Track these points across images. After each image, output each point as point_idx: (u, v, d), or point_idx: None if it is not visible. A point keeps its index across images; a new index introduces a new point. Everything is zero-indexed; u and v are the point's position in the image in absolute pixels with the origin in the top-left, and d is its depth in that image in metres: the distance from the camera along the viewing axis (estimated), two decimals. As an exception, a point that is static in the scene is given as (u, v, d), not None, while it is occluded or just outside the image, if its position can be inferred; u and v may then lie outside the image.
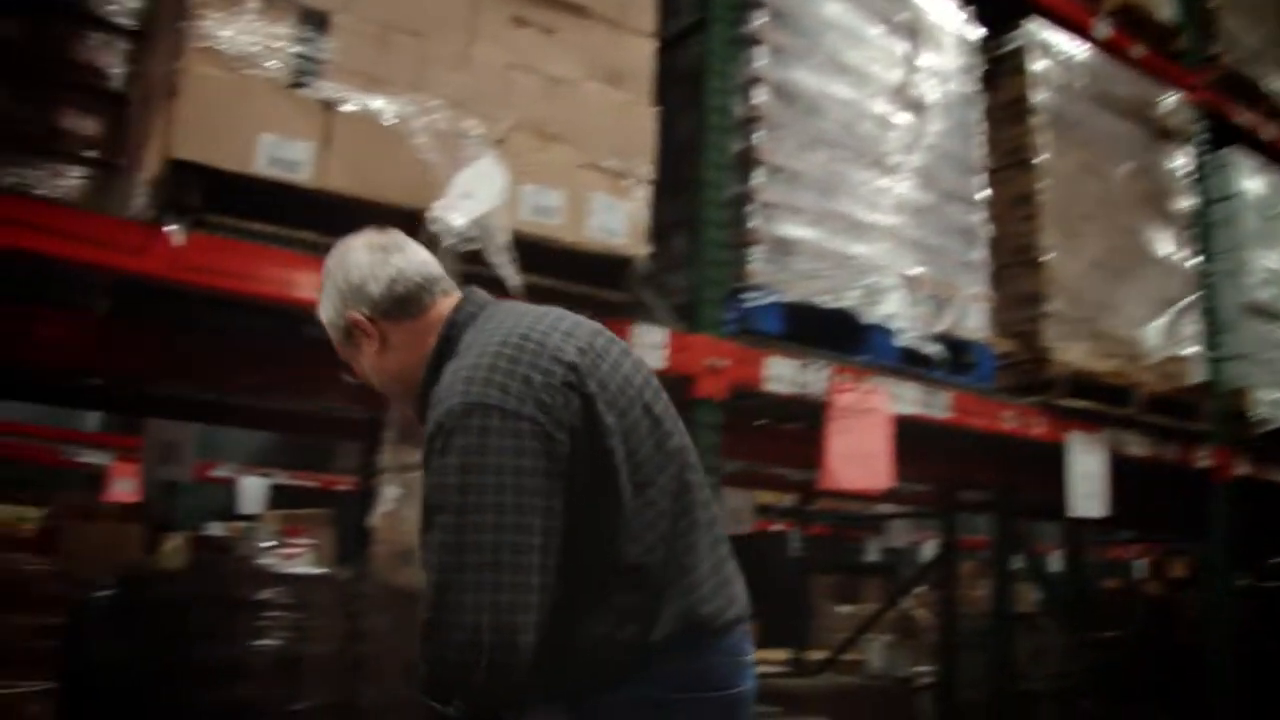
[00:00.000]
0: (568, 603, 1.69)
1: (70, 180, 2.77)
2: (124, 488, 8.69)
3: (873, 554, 13.25)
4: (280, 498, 10.03)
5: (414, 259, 1.92)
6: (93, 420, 10.59)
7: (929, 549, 13.06)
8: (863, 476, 3.62)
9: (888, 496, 8.42)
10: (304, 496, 10.19)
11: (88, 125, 2.89)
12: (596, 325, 1.89)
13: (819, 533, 11.07)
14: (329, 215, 2.57)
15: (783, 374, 3.43)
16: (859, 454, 3.61)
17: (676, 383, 3.24)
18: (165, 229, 2.34)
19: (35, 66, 2.80)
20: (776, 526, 10.72)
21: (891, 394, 3.74)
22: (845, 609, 11.10)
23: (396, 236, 1.96)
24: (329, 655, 4.03)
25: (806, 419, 5.05)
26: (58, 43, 2.83)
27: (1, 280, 3.39)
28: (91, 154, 2.78)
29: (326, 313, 1.94)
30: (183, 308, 3.47)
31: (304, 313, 2.81)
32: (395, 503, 2.80)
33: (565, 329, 1.79)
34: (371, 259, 1.89)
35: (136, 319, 3.64)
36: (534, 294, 2.80)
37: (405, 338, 1.88)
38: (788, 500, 9.07)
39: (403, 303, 1.87)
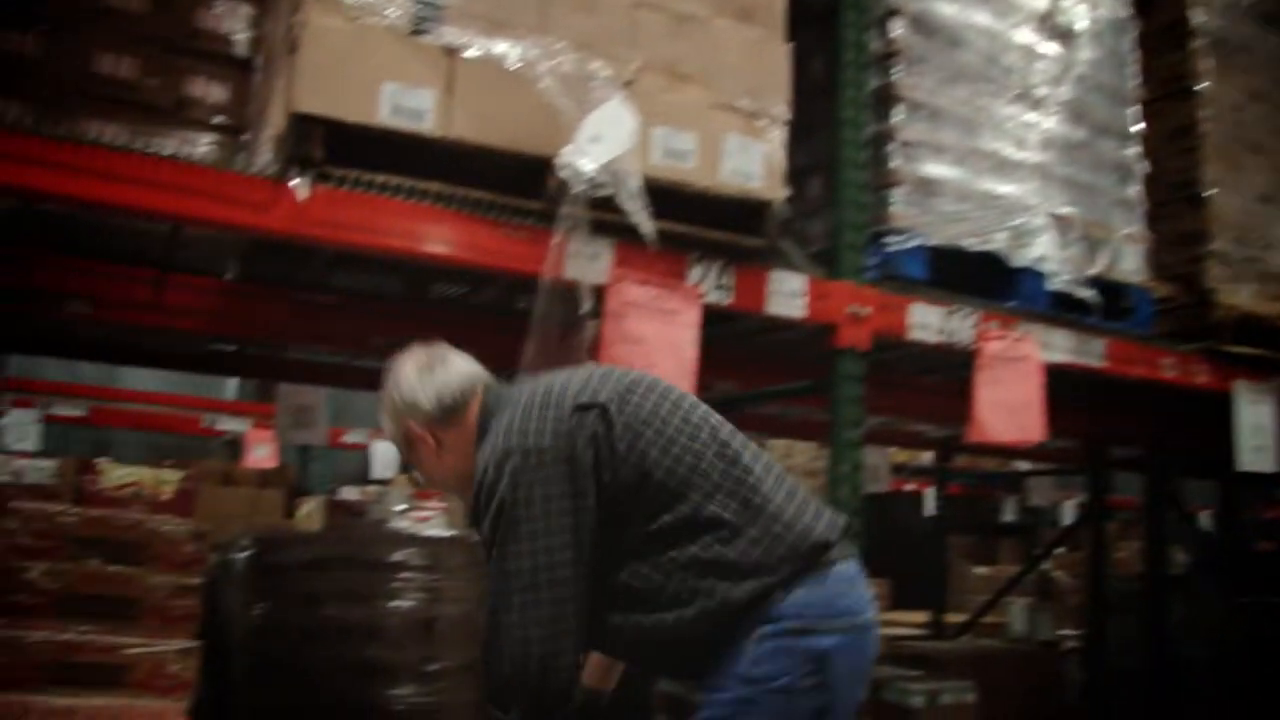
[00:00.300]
0: (672, 572, 1.90)
1: (199, 148, 2.75)
2: (261, 454, 8.90)
3: (1009, 514, 12.87)
4: (411, 462, 10.15)
5: (454, 370, 2.11)
6: (230, 389, 10.89)
7: (1068, 509, 12.64)
8: (1014, 428, 3.42)
9: (1028, 453, 8.11)
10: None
11: (215, 92, 2.85)
12: (630, 372, 2.09)
13: (954, 492, 10.74)
14: (455, 164, 2.49)
15: (928, 321, 3.25)
16: (1009, 405, 3.41)
17: (817, 333, 3.10)
18: (289, 183, 2.28)
19: (162, 36, 2.77)
20: (910, 486, 10.47)
21: (1042, 342, 3.52)
22: (981, 570, 10.79)
23: (439, 351, 2.16)
24: (461, 617, 4.01)
25: (944, 371, 4.87)
26: (183, 12, 2.80)
27: (135, 249, 3.43)
28: (219, 120, 2.75)
29: (388, 428, 2.18)
30: (310, 271, 3.46)
31: (432, 267, 2.75)
32: None
33: (584, 376, 2.02)
34: (420, 377, 2.11)
35: (265, 283, 3.65)
36: (667, 241, 2.69)
37: (455, 438, 2.08)
38: (924, 458, 8.82)
39: (449, 410, 2.07)
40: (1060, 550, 12.59)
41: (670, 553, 1.91)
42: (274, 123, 2.45)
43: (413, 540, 4.22)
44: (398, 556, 4.02)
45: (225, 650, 3.68)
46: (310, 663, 3.76)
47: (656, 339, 2.70)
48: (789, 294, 2.97)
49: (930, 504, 9.53)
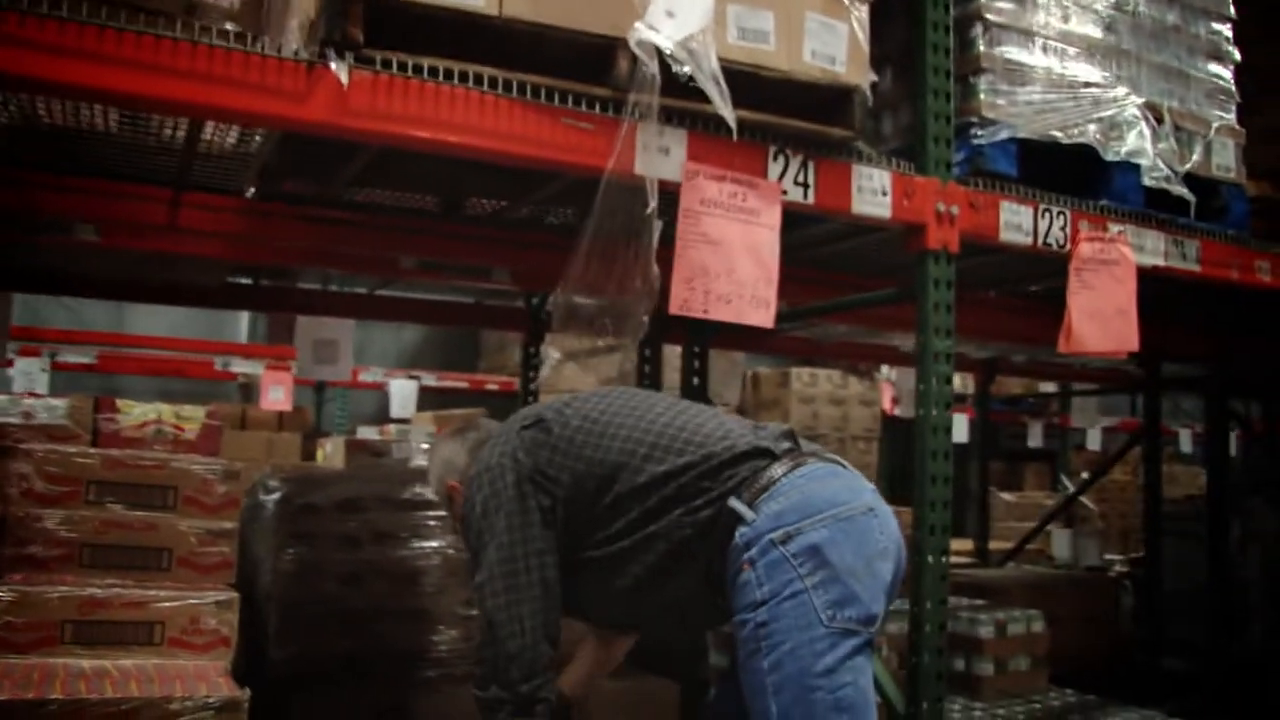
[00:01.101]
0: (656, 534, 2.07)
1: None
2: (276, 396, 8.65)
3: (1035, 439, 12.64)
4: (429, 399, 9.93)
5: (485, 429, 2.42)
6: (242, 331, 10.66)
7: (1093, 435, 12.40)
8: (1107, 338, 3.14)
9: (1066, 373, 7.84)
10: (453, 397, 10.08)
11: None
12: (587, 391, 2.38)
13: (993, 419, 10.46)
14: (513, 48, 2.19)
15: (1020, 221, 2.96)
16: (1103, 313, 3.12)
17: (903, 234, 2.82)
18: (329, 66, 1.98)
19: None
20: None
21: (1135, 244, 3.23)
22: (1008, 496, 10.60)
23: (477, 420, 2.55)
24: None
25: (995, 285, 4.58)
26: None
27: (148, 167, 3.15)
28: (232, 28, 2.43)
29: (433, 486, 2.50)
30: (335, 187, 3.17)
31: (480, 169, 2.47)
32: (558, 364, 2.55)
33: (536, 405, 2.37)
34: (457, 439, 2.44)
35: (286, 200, 3.37)
36: (744, 132, 2.39)
37: None
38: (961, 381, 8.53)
39: (476, 463, 2.27)
40: (1085, 475, 12.43)
41: (628, 516, 2.08)
42: (301, 9, 2.14)
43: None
44: (426, 494, 3.77)
45: (253, 599, 3.45)
46: (349, 609, 3.53)
47: (736, 241, 2.41)
48: (872, 192, 2.67)
49: (960, 430, 9.24)
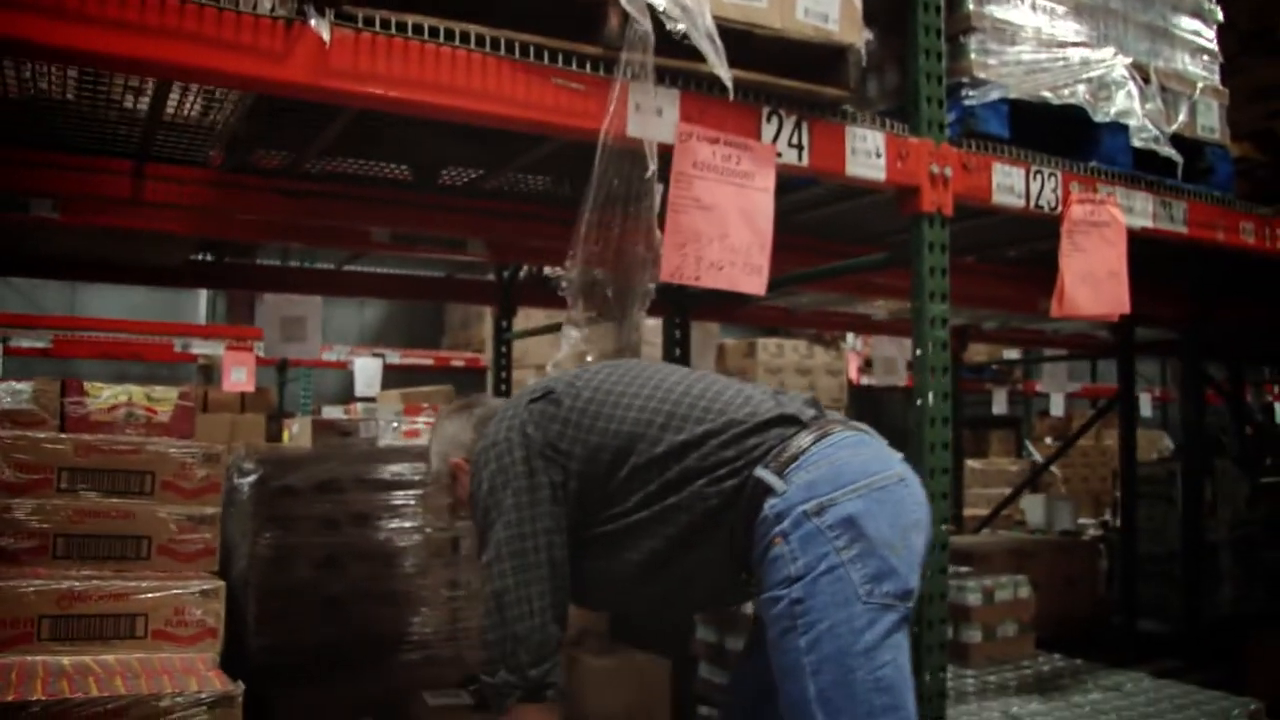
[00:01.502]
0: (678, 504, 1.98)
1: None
2: (238, 377, 8.49)
3: (999, 406, 12.71)
4: (394, 377, 9.81)
5: (491, 405, 2.31)
6: (201, 312, 10.47)
7: (1056, 401, 12.49)
8: (1099, 301, 3.09)
9: (1034, 340, 7.85)
10: (418, 375, 9.96)
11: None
12: (599, 364, 2.25)
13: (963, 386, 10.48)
14: (499, 3, 2.09)
15: (1012, 183, 2.90)
16: (1095, 276, 3.08)
17: (897, 197, 2.75)
18: (309, 23, 1.87)
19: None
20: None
21: (1125, 206, 3.18)
22: (974, 464, 10.64)
23: (480, 397, 2.48)
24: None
25: (976, 250, 4.54)
26: None
27: (110, 137, 3.02)
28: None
29: (434, 466, 2.37)
30: (304, 157, 3.06)
31: (470, 123, 2.38)
32: (579, 342, 2.40)
33: (546, 378, 2.23)
34: (461, 415, 2.33)
35: (253, 171, 3.25)
36: (738, 91, 2.31)
37: None
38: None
39: (482, 439, 2.17)
40: (1048, 441, 12.52)
41: (646, 489, 1.99)
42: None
43: (409, 455, 3.86)
44: (415, 473, 3.69)
45: (229, 586, 3.34)
46: (330, 594, 3.45)
47: (729, 206, 2.33)
48: (865, 154, 2.60)
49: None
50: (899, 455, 2.07)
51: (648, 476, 1.99)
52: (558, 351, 2.43)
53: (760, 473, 1.93)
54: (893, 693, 1.83)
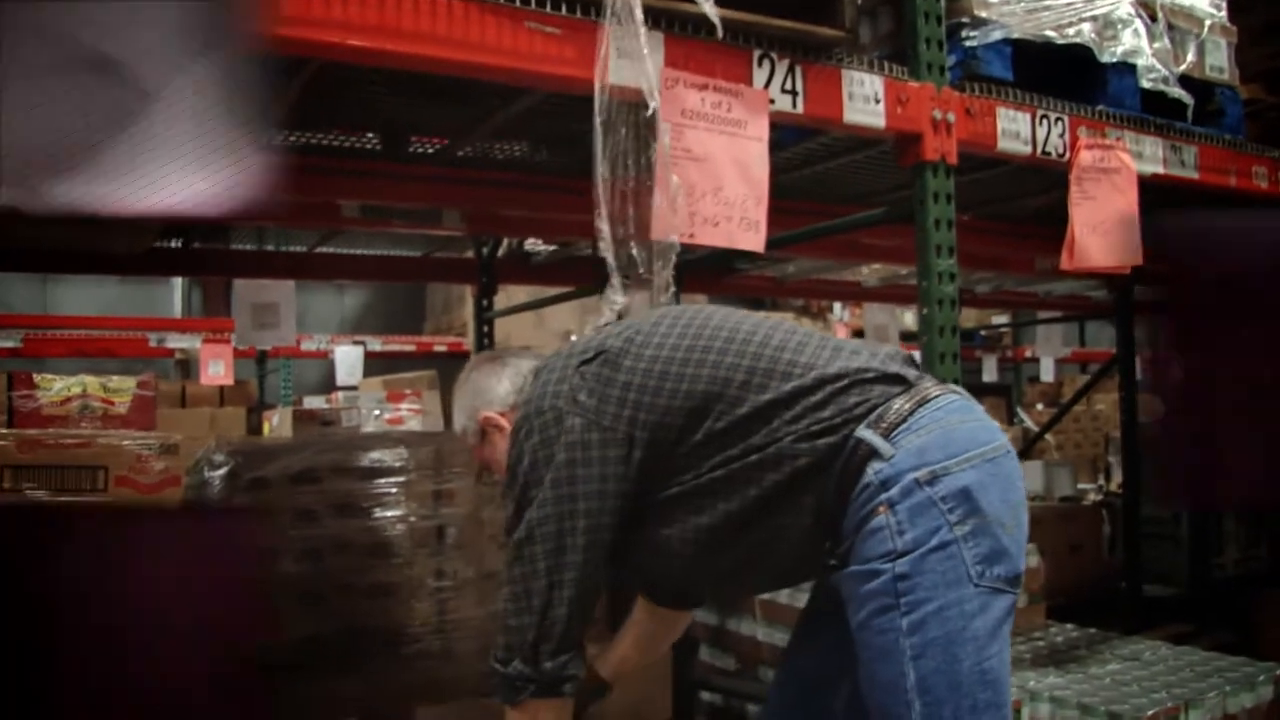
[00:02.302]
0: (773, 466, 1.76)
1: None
2: (216, 371, 8.30)
3: (989, 373, 12.60)
4: (375, 365, 9.62)
5: (525, 360, 2.08)
6: (176, 306, 10.27)
7: (1047, 366, 12.39)
8: (1111, 252, 2.94)
9: (1027, 302, 7.70)
10: (400, 361, 9.78)
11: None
12: (659, 311, 1.98)
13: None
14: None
15: (1018, 129, 2.73)
16: (1105, 225, 2.92)
17: (896, 146, 2.58)
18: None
19: None
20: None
21: (1134, 151, 3.02)
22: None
23: (513, 350, 2.19)
24: (471, 519, 3.55)
25: (972, 208, 4.38)
26: None
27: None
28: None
29: (461, 423, 2.12)
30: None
31: (435, 74, 2.20)
32: (625, 309, 2.21)
33: (598, 332, 1.97)
34: (493, 367, 2.09)
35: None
36: (727, 33, 2.14)
37: None
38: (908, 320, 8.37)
39: (519, 392, 2.01)
40: (1040, 408, 12.40)
41: (726, 451, 1.78)
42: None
43: (410, 439, 3.70)
44: (396, 459, 3.52)
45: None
46: (312, 589, 3.28)
47: (722, 156, 2.16)
48: (864, 99, 2.43)
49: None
50: (998, 424, 1.89)
51: (726, 441, 1.78)
52: (599, 318, 2.24)
53: (864, 433, 1.73)
54: (996, 688, 1.66)
